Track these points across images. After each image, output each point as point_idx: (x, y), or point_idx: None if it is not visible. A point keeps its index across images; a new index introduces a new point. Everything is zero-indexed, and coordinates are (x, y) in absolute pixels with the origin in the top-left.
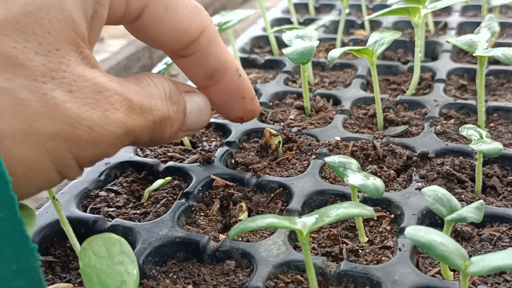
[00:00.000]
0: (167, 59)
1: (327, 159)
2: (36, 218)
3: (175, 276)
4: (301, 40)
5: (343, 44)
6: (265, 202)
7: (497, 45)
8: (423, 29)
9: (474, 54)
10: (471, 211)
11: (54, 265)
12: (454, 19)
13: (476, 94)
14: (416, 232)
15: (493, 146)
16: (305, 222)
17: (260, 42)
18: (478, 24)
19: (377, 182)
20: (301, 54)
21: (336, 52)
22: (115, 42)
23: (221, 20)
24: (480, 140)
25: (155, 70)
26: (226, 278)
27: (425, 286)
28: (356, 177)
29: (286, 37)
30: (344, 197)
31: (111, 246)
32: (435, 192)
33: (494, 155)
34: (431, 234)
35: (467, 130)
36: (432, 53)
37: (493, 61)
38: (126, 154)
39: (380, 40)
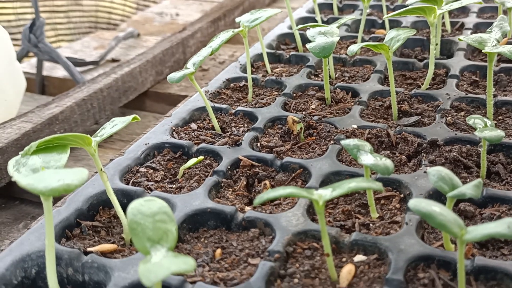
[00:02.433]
0: (201, 53)
1: (343, 142)
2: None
3: (206, 241)
4: (323, 36)
5: (364, 42)
6: (287, 181)
7: (509, 43)
8: (439, 28)
9: (483, 51)
10: (470, 188)
11: (100, 229)
12: (471, 20)
13: (484, 89)
14: (419, 203)
15: (495, 133)
16: (321, 193)
17: (286, 39)
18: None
19: (387, 162)
20: (323, 48)
21: (355, 47)
22: (151, 38)
23: (250, 17)
24: (484, 128)
25: (190, 63)
26: (251, 243)
27: (427, 255)
28: (368, 158)
29: (309, 33)
30: (358, 177)
31: (153, 207)
32: (439, 172)
33: (496, 141)
34: (431, 205)
35: (474, 120)
36: (448, 51)
37: (505, 59)
38: (163, 136)
39: (396, 37)
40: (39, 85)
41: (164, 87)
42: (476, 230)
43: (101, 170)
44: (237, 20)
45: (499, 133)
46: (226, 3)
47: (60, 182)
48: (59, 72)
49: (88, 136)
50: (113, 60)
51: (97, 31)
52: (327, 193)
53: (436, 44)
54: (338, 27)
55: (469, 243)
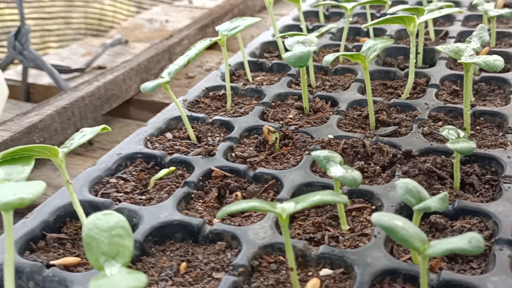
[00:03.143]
0: (178, 62)
1: (313, 153)
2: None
3: (171, 254)
4: (301, 45)
5: (347, 50)
6: (259, 192)
7: (491, 53)
8: (421, 37)
9: (458, 61)
10: (435, 201)
11: (66, 241)
12: (455, 28)
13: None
14: (381, 217)
15: (467, 145)
16: (284, 207)
17: (270, 47)
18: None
19: (355, 174)
20: (299, 58)
21: (330, 57)
22: (139, 45)
23: (229, 26)
24: (457, 140)
25: (165, 72)
26: (216, 257)
27: (393, 268)
28: (337, 169)
29: (287, 42)
30: (330, 188)
31: (110, 221)
32: (406, 184)
33: (467, 153)
34: (394, 219)
35: (447, 130)
36: (430, 59)
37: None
38: (137, 146)
39: (373, 46)
40: (25, 92)
41: (148, 94)
42: (438, 245)
43: (67, 181)
44: (216, 28)
45: (471, 145)
46: (215, 10)
47: (15, 196)
48: (44, 79)
49: (55, 147)
50: (99, 67)
51: (86, 38)
52: (290, 206)
53: (418, 53)
54: (318, 36)
55: (437, 256)
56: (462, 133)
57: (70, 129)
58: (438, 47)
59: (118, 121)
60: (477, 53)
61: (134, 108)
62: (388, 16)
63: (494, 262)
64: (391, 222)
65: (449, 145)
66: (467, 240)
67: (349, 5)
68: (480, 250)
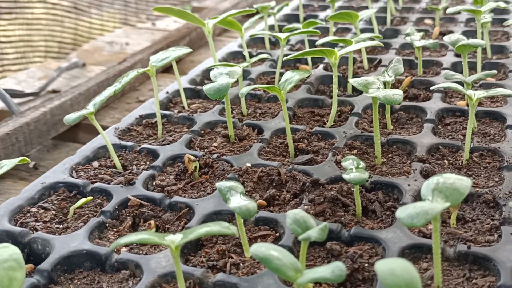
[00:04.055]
0: (104, 93)
1: (217, 184)
2: None
3: (78, 283)
4: (226, 76)
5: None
6: (172, 220)
7: (417, 82)
8: (351, 66)
9: (365, 94)
10: (315, 231)
11: None
12: (390, 56)
13: (385, 127)
14: (258, 248)
15: (358, 175)
16: (172, 239)
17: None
18: (410, 61)
19: (249, 205)
20: (218, 90)
21: (245, 89)
22: (96, 69)
23: (159, 57)
24: (351, 170)
25: (91, 103)
26: (120, 285)
27: None
28: (235, 200)
29: (212, 73)
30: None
31: (4, 254)
32: (295, 215)
33: (359, 183)
34: (270, 250)
35: (346, 162)
36: None
37: (410, 96)
38: (61, 175)
39: (290, 78)
40: None
41: (97, 119)
42: (308, 274)
43: None
44: (150, 58)
45: (362, 175)
46: (172, 34)
47: None
48: None
49: None
50: (54, 91)
51: (46, 61)
52: (178, 238)
53: (348, 82)
54: (252, 64)
55: (326, 283)
56: (361, 164)
57: (14, 155)
58: (350, 80)
59: (66, 145)
60: (394, 84)
61: (83, 132)
62: (308, 50)
63: (376, 286)
64: (267, 252)
65: (344, 175)
66: (331, 270)
67: (283, 36)
68: (341, 278)
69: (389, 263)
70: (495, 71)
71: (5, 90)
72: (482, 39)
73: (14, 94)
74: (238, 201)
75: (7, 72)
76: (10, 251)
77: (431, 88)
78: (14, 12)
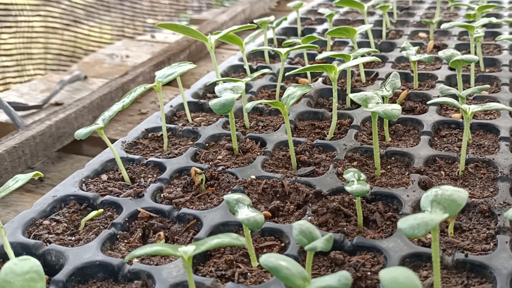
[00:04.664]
0: (113, 108)
1: (225, 196)
2: None
3: None
4: (230, 91)
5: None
6: (181, 232)
7: (413, 95)
8: (349, 79)
9: (365, 109)
10: (321, 242)
11: None
12: (386, 70)
13: (383, 139)
14: (268, 258)
15: (360, 187)
16: (185, 250)
17: (213, 88)
18: (406, 74)
19: (257, 217)
20: (223, 105)
21: (250, 104)
22: (97, 81)
23: (166, 72)
24: (353, 182)
25: (100, 118)
26: None
27: None
28: (243, 212)
29: (217, 89)
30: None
31: (25, 266)
32: (301, 226)
33: (360, 195)
34: (279, 260)
35: (348, 174)
36: None
37: (407, 109)
38: (72, 188)
39: (292, 94)
40: None
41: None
42: (315, 283)
43: (0, 227)
44: (156, 73)
45: (364, 187)
46: (172, 47)
47: None
48: (1, 116)
49: None
50: (57, 104)
51: (47, 73)
52: (190, 249)
53: (347, 95)
54: (254, 79)
55: None
56: (362, 176)
57: (20, 167)
58: (350, 95)
59: (70, 157)
60: (391, 98)
61: (87, 145)
62: (309, 66)
63: None
64: (276, 262)
65: (346, 187)
66: (337, 278)
67: (283, 50)
68: (347, 287)
69: (392, 272)
70: (488, 86)
71: (9, 103)
72: (475, 52)
73: (18, 107)
74: (246, 213)
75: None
76: (31, 263)
77: (428, 102)
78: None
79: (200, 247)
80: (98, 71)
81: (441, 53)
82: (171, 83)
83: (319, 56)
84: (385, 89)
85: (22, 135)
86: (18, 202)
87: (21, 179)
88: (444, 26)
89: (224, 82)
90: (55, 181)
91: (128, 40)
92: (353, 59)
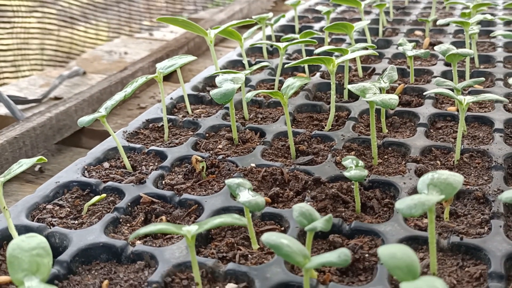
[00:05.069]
0: (115, 97)
1: (227, 181)
2: None
3: (96, 273)
4: (230, 82)
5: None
6: (182, 216)
7: (409, 89)
8: (347, 73)
9: (363, 99)
10: (321, 222)
11: (1, 262)
12: (382, 65)
13: (380, 131)
14: (270, 236)
15: (358, 173)
16: (189, 229)
17: (212, 81)
18: (402, 70)
19: (258, 199)
20: (224, 95)
21: (250, 94)
22: (96, 77)
23: (166, 64)
24: (352, 168)
25: (102, 107)
26: (136, 275)
27: (287, 282)
28: (244, 195)
29: (217, 80)
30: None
31: (32, 242)
32: (301, 208)
33: (359, 180)
34: (281, 238)
35: (346, 161)
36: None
37: (404, 102)
38: (74, 175)
39: (292, 84)
40: None
41: (100, 124)
42: (315, 259)
43: (4, 207)
44: (157, 65)
45: (362, 172)
46: (171, 43)
47: None
48: (1, 109)
49: None
50: (56, 98)
51: (45, 69)
52: (193, 228)
53: (344, 88)
54: (252, 72)
55: (329, 271)
56: (360, 162)
57: (21, 158)
58: (348, 86)
59: (70, 150)
60: (388, 91)
61: (86, 138)
62: (307, 58)
63: (376, 274)
64: (278, 240)
65: (345, 173)
66: (337, 255)
67: (282, 45)
68: (347, 263)
69: (390, 248)
70: (483, 79)
71: (8, 96)
72: (470, 49)
73: (17, 100)
74: (247, 196)
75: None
76: (38, 240)
77: (424, 93)
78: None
79: (203, 226)
80: (97, 67)
81: (437, 48)
82: (170, 78)
83: (317, 51)
84: (383, 81)
85: (23, 127)
86: (19, 192)
87: (25, 163)
88: (439, 22)
89: (223, 74)
90: (55, 173)
91: (127, 37)
92: (351, 52)
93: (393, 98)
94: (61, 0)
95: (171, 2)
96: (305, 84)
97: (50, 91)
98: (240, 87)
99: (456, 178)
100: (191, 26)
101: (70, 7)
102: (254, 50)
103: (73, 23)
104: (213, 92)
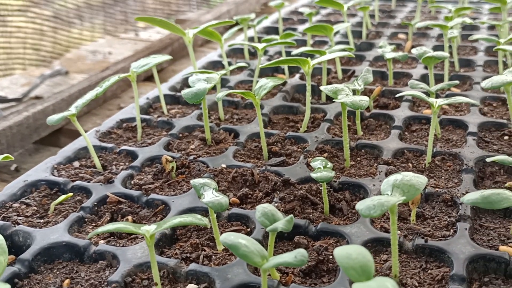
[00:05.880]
0: (86, 96)
1: (192, 181)
2: None
3: (57, 272)
4: (203, 82)
5: None
6: (149, 216)
7: (387, 91)
8: (324, 76)
9: (334, 100)
10: (282, 223)
11: None
12: (363, 68)
13: (356, 133)
14: (228, 236)
15: (325, 174)
16: (148, 228)
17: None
18: (382, 72)
19: (221, 199)
20: (195, 95)
21: (221, 94)
22: (79, 76)
23: (140, 63)
24: (319, 169)
25: (73, 106)
26: (97, 274)
27: (247, 282)
28: (207, 195)
29: (191, 80)
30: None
31: None
32: (264, 208)
33: (324, 181)
34: (238, 238)
35: (315, 162)
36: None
37: (381, 105)
38: (43, 173)
39: (264, 85)
40: None
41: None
42: (273, 260)
43: None
44: (131, 64)
45: (329, 174)
46: (155, 44)
47: None
48: None
49: None
50: (37, 98)
51: (29, 68)
52: (152, 228)
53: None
54: (229, 72)
55: (292, 273)
56: (329, 164)
57: None
58: (321, 87)
59: (48, 149)
60: (365, 93)
61: (65, 137)
62: (282, 58)
63: (337, 276)
64: (235, 240)
65: (312, 174)
66: (293, 255)
67: (260, 46)
68: (303, 263)
69: (346, 249)
70: (457, 82)
71: None
72: (450, 53)
73: None
74: (211, 196)
75: None
76: None
77: (396, 95)
78: None
79: (162, 225)
80: (80, 67)
81: (414, 51)
82: (152, 79)
83: (295, 52)
84: (357, 83)
85: None
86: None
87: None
88: (418, 25)
89: (198, 74)
90: None
91: (112, 38)
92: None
93: (364, 99)
94: (54, 1)
95: (166, 2)
96: (283, 86)
97: (31, 90)
98: (215, 88)
99: (419, 180)
100: (168, 26)
101: (65, 5)
102: (236, 51)
103: (59, 22)
104: (185, 91)
